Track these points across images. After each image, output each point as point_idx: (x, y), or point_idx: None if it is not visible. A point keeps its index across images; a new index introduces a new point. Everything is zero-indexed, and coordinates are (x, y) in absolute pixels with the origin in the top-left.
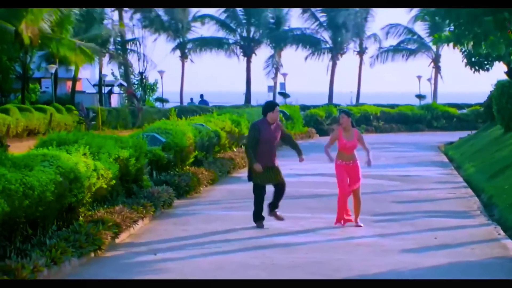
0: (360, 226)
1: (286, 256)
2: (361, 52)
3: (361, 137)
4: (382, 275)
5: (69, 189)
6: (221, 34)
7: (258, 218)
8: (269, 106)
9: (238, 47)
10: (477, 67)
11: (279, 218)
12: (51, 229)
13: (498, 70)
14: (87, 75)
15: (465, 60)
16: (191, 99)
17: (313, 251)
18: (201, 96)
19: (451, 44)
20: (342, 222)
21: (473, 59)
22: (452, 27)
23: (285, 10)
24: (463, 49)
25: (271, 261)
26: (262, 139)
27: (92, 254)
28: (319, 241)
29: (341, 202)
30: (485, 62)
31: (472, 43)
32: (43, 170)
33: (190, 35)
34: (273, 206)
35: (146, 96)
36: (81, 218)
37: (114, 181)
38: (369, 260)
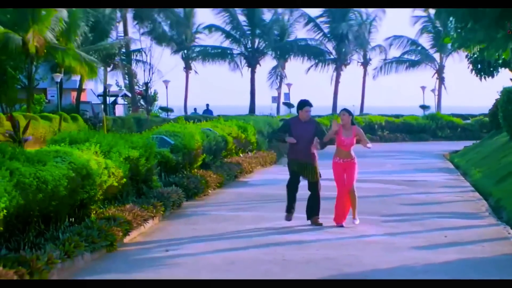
0: (355, 223)
1: (298, 252)
2: (365, 63)
3: (360, 132)
4: (394, 270)
5: (81, 185)
6: (225, 44)
7: (287, 209)
8: (299, 105)
9: (242, 57)
10: (482, 73)
11: (318, 224)
12: (64, 225)
13: (503, 80)
14: (92, 85)
15: (470, 67)
16: (195, 109)
17: (324, 248)
18: (207, 105)
19: (455, 56)
20: (343, 223)
21: (478, 66)
22: (459, 30)
23: (290, 21)
24: (469, 55)
25: (282, 257)
26: (294, 136)
27: (105, 250)
28: (329, 239)
29: (339, 201)
30: (491, 69)
31: (478, 47)
32: (56, 166)
33: (195, 47)
34: (310, 212)
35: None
36: (92, 215)
37: (125, 180)
38: (381, 256)
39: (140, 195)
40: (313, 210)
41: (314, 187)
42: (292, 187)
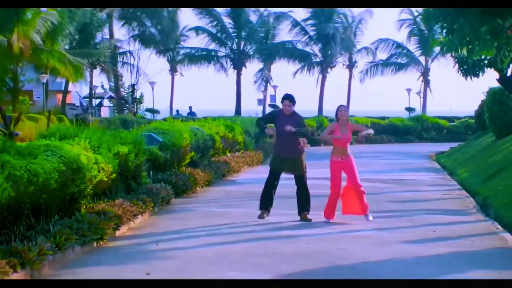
0: (370, 220)
1: (288, 246)
2: (351, 66)
3: (355, 124)
4: (385, 262)
5: (71, 179)
6: (211, 47)
7: (260, 205)
8: (282, 99)
9: (228, 60)
10: (468, 74)
11: (307, 220)
12: (54, 219)
13: (489, 81)
14: (77, 87)
15: (456, 66)
16: (177, 110)
17: (315, 242)
18: (190, 108)
19: (441, 60)
20: (331, 219)
21: (465, 66)
22: (444, 33)
23: (276, 23)
24: (455, 55)
25: (273, 250)
26: (278, 130)
27: (95, 244)
28: (319, 234)
29: (331, 201)
30: (477, 69)
31: (465, 49)
32: (47, 159)
33: (180, 49)
34: (300, 208)
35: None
36: (82, 209)
37: (114, 175)
38: (371, 250)
39: (129, 191)
40: (303, 205)
41: (300, 180)
42: (271, 184)
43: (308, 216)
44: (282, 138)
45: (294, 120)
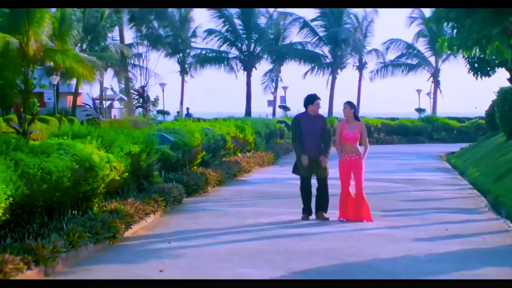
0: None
1: (300, 244)
2: (361, 67)
3: (364, 130)
4: (396, 259)
5: (84, 178)
6: (222, 48)
7: (304, 210)
8: (309, 99)
9: (238, 61)
10: (479, 73)
11: (324, 219)
12: (67, 217)
13: (499, 80)
14: (87, 89)
15: (467, 66)
16: (178, 112)
17: (326, 240)
18: (187, 109)
19: (452, 60)
20: (345, 218)
21: (475, 65)
22: (454, 32)
23: (285, 25)
24: (467, 55)
25: (285, 248)
26: (303, 131)
27: (108, 242)
28: (330, 232)
29: (342, 198)
30: (487, 68)
31: (477, 48)
32: (60, 157)
33: (190, 51)
34: (316, 207)
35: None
36: (95, 208)
37: (126, 174)
38: (382, 247)
39: (141, 190)
40: (320, 205)
41: (322, 182)
42: (306, 190)
43: (325, 215)
44: (307, 139)
45: (319, 120)
